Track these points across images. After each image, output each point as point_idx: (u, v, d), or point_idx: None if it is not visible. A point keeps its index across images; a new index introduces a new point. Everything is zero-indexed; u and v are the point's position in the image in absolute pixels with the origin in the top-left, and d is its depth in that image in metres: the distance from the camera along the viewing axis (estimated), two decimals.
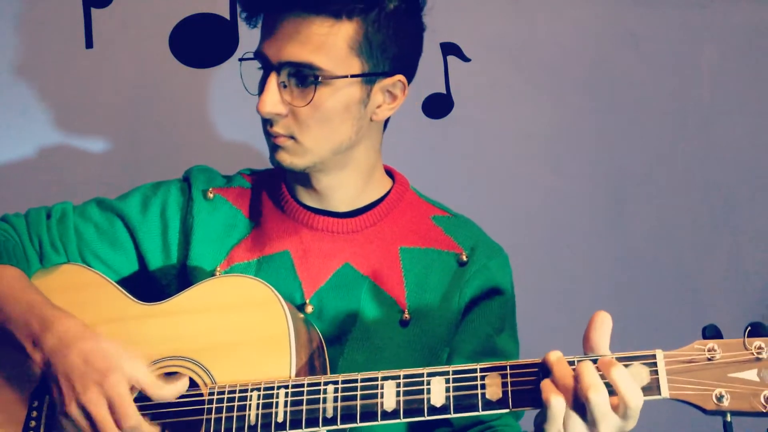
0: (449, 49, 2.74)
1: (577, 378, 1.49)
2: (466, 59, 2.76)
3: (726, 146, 2.82)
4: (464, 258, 1.98)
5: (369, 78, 1.85)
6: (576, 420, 1.49)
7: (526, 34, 2.78)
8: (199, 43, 2.68)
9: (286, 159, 1.87)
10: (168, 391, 1.69)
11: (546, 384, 1.51)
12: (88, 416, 1.66)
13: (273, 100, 1.81)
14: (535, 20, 2.79)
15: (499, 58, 2.77)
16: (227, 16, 2.68)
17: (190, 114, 2.69)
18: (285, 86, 1.82)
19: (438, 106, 2.74)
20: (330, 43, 1.80)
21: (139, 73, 2.67)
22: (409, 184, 2.08)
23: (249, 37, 2.62)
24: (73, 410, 1.67)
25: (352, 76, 1.83)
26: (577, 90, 2.79)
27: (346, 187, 1.97)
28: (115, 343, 1.71)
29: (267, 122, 1.86)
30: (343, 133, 1.87)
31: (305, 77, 1.81)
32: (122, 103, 2.66)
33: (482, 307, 1.97)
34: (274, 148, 1.88)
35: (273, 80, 1.81)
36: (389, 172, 2.08)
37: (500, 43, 2.77)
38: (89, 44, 2.65)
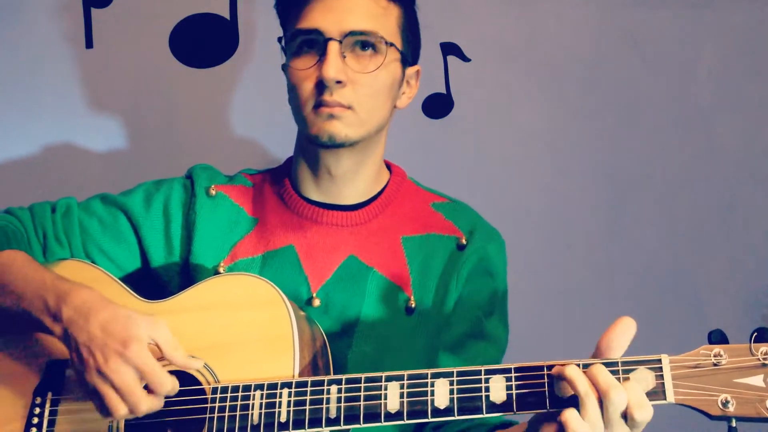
0: (449, 49, 2.75)
1: (593, 381, 1.49)
2: (466, 59, 2.76)
3: (726, 146, 2.83)
4: (463, 241, 2.01)
5: (404, 61, 1.96)
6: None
7: (525, 34, 2.79)
8: (199, 43, 2.68)
9: (341, 130, 1.88)
10: (181, 355, 1.70)
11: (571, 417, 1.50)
12: (112, 385, 1.65)
13: (338, 66, 1.84)
14: (534, 20, 2.79)
15: (499, 58, 2.78)
16: (227, 16, 2.68)
17: (190, 114, 2.69)
18: (344, 57, 1.86)
19: (438, 106, 2.75)
20: (387, 17, 1.91)
21: (139, 73, 2.66)
22: (406, 174, 2.11)
23: (249, 36, 2.65)
24: (96, 379, 1.67)
25: (402, 52, 1.93)
26: (577, 90, 2.80)
27: (362, 175, 2.00)
28: (133, 311, 1.71)
29: (320, 93, 1.86)
30: (385, 111, 1.95)
31: (368, 46, 1.88)
32: (122, 103, 2.66)
33: (474, 289, 1.99)
34: (327, 118, 1.88)
35: (335, 48, 1.85)
36: (386, 165, 2.11)
37: (500, 43, 2.78)
38: (89, 44, 2.64)
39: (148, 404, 1.65)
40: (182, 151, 2.65)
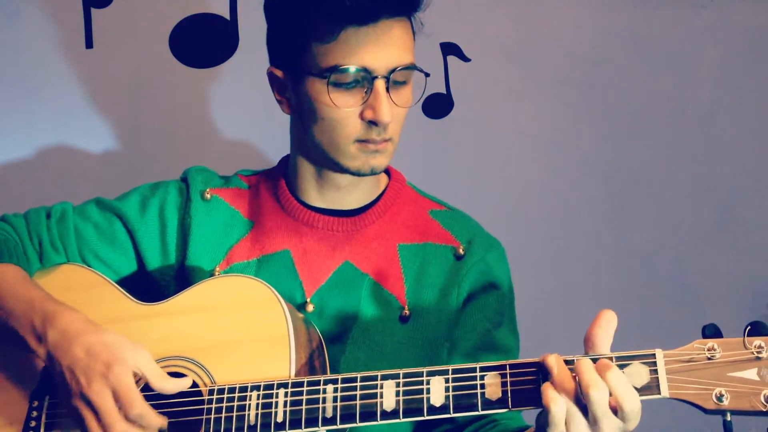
0: (449, 49, 2.75)
1: (577, 376, 1.50)
2: (466, 59, 2.76)
3: (726, 146, 2.83)
4: (461, 251, 1.99)
5: None
6: (579, 421, 1.49)
7: (526, 34, 2.79)
8: (199, 43, 2.68)
9: (383, 162, 1.88)
10: (169, 384, 1.69)
11: (546, 388, 1.51)
12: (93, 408, 1.66)
13: (390, 107, 1.82)
14: (534, 20, 2.79)
15: (499, 58, 2.78)
16: (227, 16, 2.68)
17: (190, 114, 2.69)
18: (388, 92, 1.82)
19: (438, 106, 2.74)
20: (412, 43, 1.87)
21: (139, 73, 2.67)
22: (406, 180, 2.09)
23: (249, 36, 2.65)
24: (78, 403, 1.67)
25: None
26: (577, 90, 2.80)
27: (363, 183, 1.98)
28: (119, 335, 1.71)
29: (368, 130, 1.83)
30: None
31: (407, 79, 1.85)
32: (122, 103, 2.66)
33: (480, 301, 1.97)
34: (372, 153, 1.86)
35: (384, 88, 1.81)
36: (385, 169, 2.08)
37: (500, 43, 2.78)
38: (89, 44, 2.64)
39: (123, 427, 1.65)
40: (181, 151, 2.66)
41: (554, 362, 1.53)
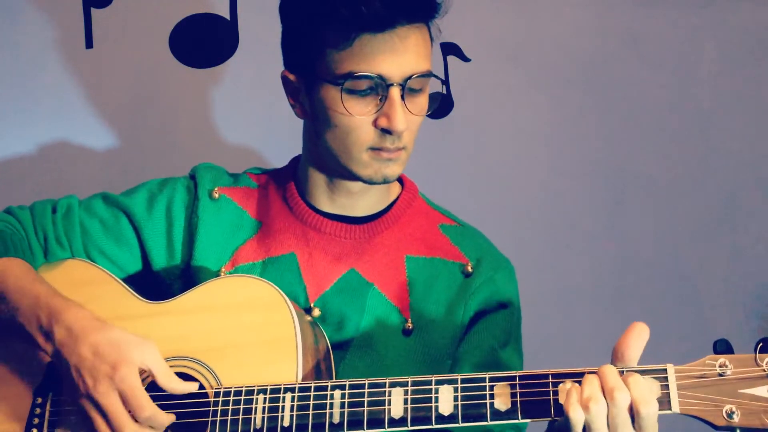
0: (449, 49, 2.74)
1: (601, 380, 1.50)
2: (466, 59, 2.76)
3: (726, 146, 2.83)
4: (469, 269, 1.97)
5: None
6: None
7: (526, 34, 2.78)
8: (199, 43, 2.67)
9: (396, 171, 1.87)
10: (177, 384, 1.69)
11: (568, 394, 1.51)
12: (100, 409, 1.66)
13: (404, 115, 1.80)
14: (535, 20, 2.78)
15: (499, 58, 2.77)
16: (227, 16, 2.68)
17: (190, 114, 2.68)
18: (403, 100, 1.80)
19: (438, 106, 2.73)
20: (428, 50, 1.85)
21: (139, 73, 2.66)
22: (418, 191, 2.07)
23: (249, 36, 2.65)
24: (85, 403, 1.67)
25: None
26: (577, 90, 2.79)
27: (376, 189, 1.96)
28: (125, 332, 1.71)
29: (381, 139, 1.82)
30: None
31: (423, 86, 1.83)
32: (122, 103, 2.66)
33: (487, 319, 1.96)
34: (385, 162, 1.85)
35: (400, 96, 1.79)
36: (399, 178, 2.06)
37: (500, 43, 2.77)
38: (89, 44, 2.64)
39: (133, 429, 1.65)
40: (181, 151, 2.65)
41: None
